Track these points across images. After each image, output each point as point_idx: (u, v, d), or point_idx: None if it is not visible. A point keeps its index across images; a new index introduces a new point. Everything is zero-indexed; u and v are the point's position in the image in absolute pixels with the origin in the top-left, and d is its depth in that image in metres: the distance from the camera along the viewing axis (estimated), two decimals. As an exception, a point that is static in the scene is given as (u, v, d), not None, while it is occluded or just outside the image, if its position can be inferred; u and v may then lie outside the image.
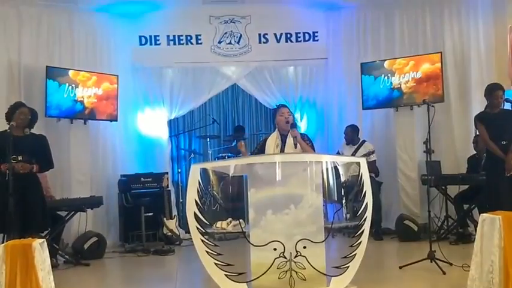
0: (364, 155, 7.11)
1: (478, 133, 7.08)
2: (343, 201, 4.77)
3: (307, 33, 8.86)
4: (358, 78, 8.10)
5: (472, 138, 7.37)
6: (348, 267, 4.47)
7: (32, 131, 5.74)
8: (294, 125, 5.22)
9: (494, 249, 3.67)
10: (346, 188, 4.77)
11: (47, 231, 6.02)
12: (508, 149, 5.58)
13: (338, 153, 7.78)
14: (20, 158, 5.43)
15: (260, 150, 5.26)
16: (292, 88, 8.98)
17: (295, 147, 5.06)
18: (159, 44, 8.57)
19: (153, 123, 8.58)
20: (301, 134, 5.32)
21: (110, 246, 7.34)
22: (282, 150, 5.12)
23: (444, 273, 4.94)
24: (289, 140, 5.11)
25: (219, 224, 4.68)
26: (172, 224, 7.64)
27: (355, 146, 7.83)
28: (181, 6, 8.54)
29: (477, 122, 5.97)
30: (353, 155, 7.50)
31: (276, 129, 5.31)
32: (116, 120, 7.92)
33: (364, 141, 7.90)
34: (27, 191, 5.39)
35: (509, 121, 5.73)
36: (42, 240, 3.76)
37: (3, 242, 4.43)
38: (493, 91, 5.84)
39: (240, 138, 8.82)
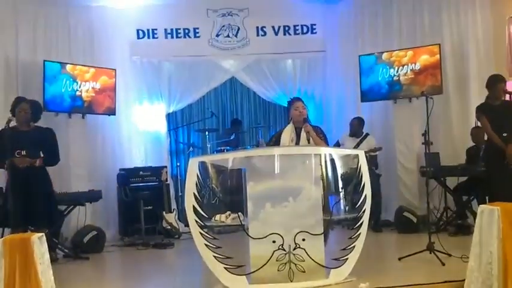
0: (370, 151, 7.13)
1: (475, 125, 7.12)
2: (342, 193, 4.77)
3: (305, 25, 8.84)
4: (357, 70, 8.08)
5: (470, 130, 7.35)
6: (347, 259, 4.49)
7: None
8: (306, 120, 5.23)
9: (493, 240, 3.68)
10: (345, 180, 4.76)
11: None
12: (508, 141, 5.59)
13: (338, 143, 7.78)
14: (23, 152, 5.43)
15: (275, 142, 5.28)
16: (291, 81, 8.98)
17: (309, 141, 5.09)
18: (156, 38, 8.54)
19: (152, 117, 8.57)
20: (314, 126, 5.31)
21: (109, 240, 7.33)
22: (297, 144, 5.14)
23: (443, 264, 4.95)
24: (303, 134, 5.15)
25: (217, 217, 4.69)
26: (171, 217, 7.65)
27: (358, 139, 7.80)
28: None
29: (479, 113, 5.96)
30: (355, 148, 7.48)
31: (291, 123, 5.32)
32: (114, 114, 7.91)
33: (367, 134, 7.88)
34: (31, 186, 5.37)
35: (510, 113, 5.73)
36: (41, 234, 3.76)
37: (2, 236, 4.43)
38: (496, 83, 5.84)
39: (237, 131, 8.84)
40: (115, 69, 7.88)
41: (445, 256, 5.13)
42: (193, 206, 4.41)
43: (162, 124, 8.62)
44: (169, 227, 7.56)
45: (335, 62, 8.84)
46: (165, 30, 8.55)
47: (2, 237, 4.28)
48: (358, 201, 4.59)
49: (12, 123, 5.29)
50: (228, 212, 4.69)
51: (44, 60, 7.18)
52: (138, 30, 8.48)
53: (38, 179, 5.56)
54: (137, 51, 8.46)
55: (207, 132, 8.66)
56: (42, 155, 5.63)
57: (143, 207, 7.38)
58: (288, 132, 5.27)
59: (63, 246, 6.55)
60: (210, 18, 8.67)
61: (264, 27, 8.75)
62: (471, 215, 6.84)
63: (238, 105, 9.39)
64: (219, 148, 8.49)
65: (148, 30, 8.51)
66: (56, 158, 5.83)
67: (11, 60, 7.19)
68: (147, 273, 5.60)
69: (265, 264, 4.32)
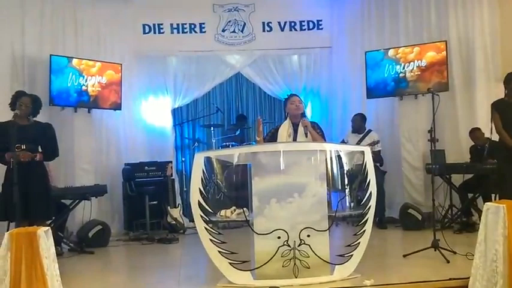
0: (369, 145, 7.10)
1: (475, 126, 7.11)
2: (347, 189, 4.77)
3: (311, 21, 8.82)
4: (363, 67, 8.06)
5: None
6: (352, 255, 4.49)
7: (38, 119, 5.76)
8: (303, 115, 5.24)
9: (498, 238, 3.67)
10: (350, 177, 4.76)
11: (50, 220, 6.04)
12: None
13: (343, 141, 7.78)
14: (23, 146, 5.45)
15: (272, 138, 5.27)
16: (296, 77, 8.96)
17: (306, 136, 5.09)
18: (162, 33, 8.54)
19: (157, 112, 8.58)
20: (311, 122, 5.33)
21: (114, 235, 7.36)
22: (295, 139, 5.14)
23: (448, 261, 4.95)
24: (300, 129, 5.16)
25: (222, 212, 4.70)
26: (176, 212, 7.66)
27: (361, 135, 7.82)
28: (185, -6, 8.53)
29: (492, 109, 5.92)
30: (358, 143, 7.49)
31: (288, 118, 5.33)
32: (120, 109, 7.92)
33: (370, 130, 7.88)
34: (30, 180, 5.39)
35: None
36: (47, 228, 3.76)
37: (8, 230, 4.44)
38: None
39: (243, 127, 8.83)
40: (121, 64, 7.88)
41: (450, 253, 5.12)
42: (199, 201, 4.42)
43: (167, 119, 8.63)
44: (174, 222, 7.58)
45: (341, 58, 8.82)
46: (171, 25, 8.55)
47: (7, 230, 4.29)
48: (363, 198, 4.59)
49: (8, 117, 5.32)
50: (233, 208, 4.69)
51: (51, 55, 7.19)
52: (144, 25, 8.49)
53: (37, 173, 5.57)
54: (143, 46, 8.45)
55: (212, 128, 8.65)
56: (40, 150, 5.63)
57: (148, 202, 7.40)
58: (285, 128, 5.27)
59: (68, 241, 6.58)
60: (216, 13, 8.67)
61: (270, 22, 8.74)
62: (476, 213, 6.84)
63: (243, 100, 9.38)
64: (224, 144, 8.48)
65: (154, 25, 8.51)
66: (54, 154, 5.82)
67: (17, 54, 7.20)
68: (152, 267, 5.61)
69: (270, 260, 4.32)
